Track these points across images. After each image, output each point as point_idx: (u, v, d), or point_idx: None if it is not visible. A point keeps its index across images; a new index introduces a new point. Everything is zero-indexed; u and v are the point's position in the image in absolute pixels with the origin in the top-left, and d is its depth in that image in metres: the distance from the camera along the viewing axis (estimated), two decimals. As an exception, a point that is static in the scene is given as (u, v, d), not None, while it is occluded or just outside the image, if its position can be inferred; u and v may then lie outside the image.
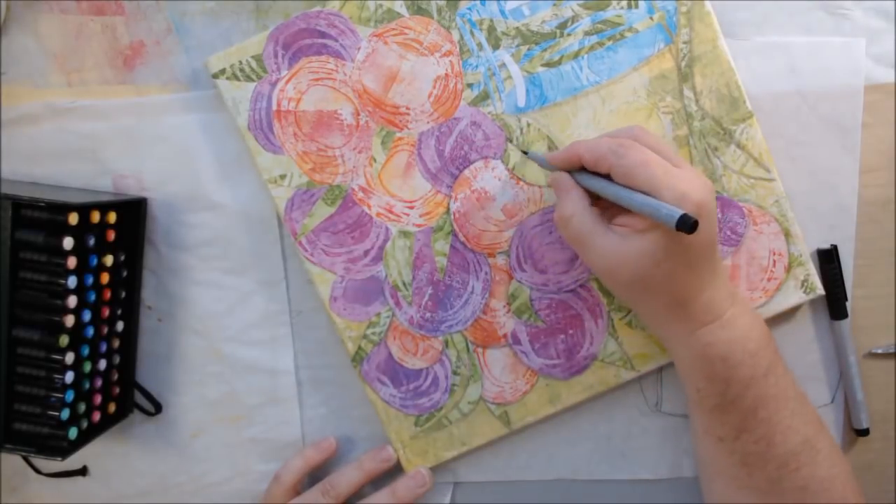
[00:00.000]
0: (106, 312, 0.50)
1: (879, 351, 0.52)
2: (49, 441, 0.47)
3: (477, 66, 0.49)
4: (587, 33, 0.49)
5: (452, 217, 0.50)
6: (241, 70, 0.49)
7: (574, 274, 0.50)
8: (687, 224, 0.37)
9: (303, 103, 0.49)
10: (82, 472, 0.55)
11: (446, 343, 0.51)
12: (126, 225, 0.51)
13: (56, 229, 0.45)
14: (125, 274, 0.52)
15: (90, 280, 0.48)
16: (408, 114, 0.49)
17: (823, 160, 0.51)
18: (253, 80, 0.49)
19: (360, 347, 0.51)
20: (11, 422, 0.47)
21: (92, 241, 0.48)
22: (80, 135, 0.52)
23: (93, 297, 0.48)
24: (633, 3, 0.48)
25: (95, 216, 0.48)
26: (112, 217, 0.49)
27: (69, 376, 0.47)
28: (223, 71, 0.49)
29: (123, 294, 0.52)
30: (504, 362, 0.51)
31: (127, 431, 0.54)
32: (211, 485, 0.54)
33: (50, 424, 0.47)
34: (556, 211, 0.45)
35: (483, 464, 0.53)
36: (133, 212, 0.52)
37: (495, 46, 0.49)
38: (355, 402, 0.53)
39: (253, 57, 0.49)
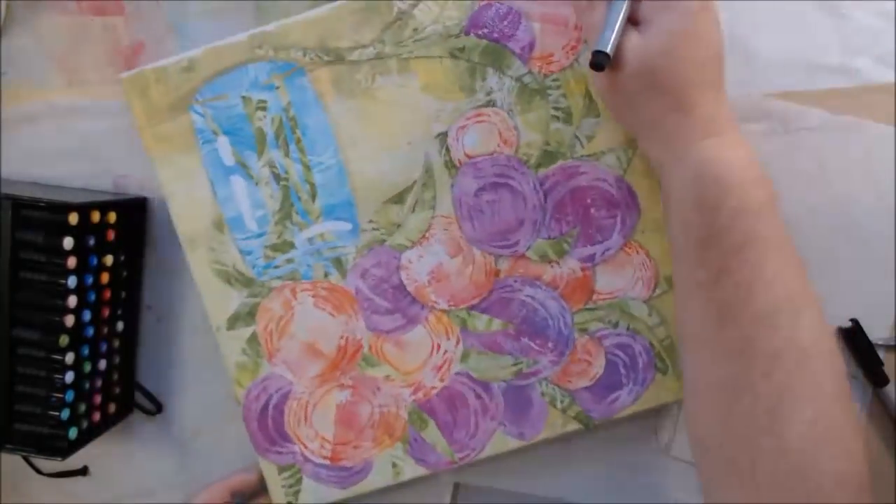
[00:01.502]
0: (106, 312, 0.50)
1: (880, 343, 0.51)
2: (49, 441, 0.47)
3: None
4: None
5: None
6: None
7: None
8: (597, 65, 0.41)
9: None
10: (83, 472, 0.55)
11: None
12: (126, 225, 0.51)
13: (56, 229, 0.45)
14: (125, 274, 0.52)
15: (90, 280, 0.48)
16: None
17: None
18: None
19: None
20: (12, 422, 0.47)
21: (92, 241, 0.48)
22: (80, 135, 0.52)
23: (93, 297, 0.48)
24: None
25: (95, 216, 0.48)
26: (112, 217, 0.49)
27: (69, 376, 0.47)
28: None
29: (123, 294, 0.52)
30: None
31: (127, 431, 0.54)
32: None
33: (50, 424, 0.47)
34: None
35: (489, 469, 0.53)
36: (133, 212, 0.52)
37: None
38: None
39: None
